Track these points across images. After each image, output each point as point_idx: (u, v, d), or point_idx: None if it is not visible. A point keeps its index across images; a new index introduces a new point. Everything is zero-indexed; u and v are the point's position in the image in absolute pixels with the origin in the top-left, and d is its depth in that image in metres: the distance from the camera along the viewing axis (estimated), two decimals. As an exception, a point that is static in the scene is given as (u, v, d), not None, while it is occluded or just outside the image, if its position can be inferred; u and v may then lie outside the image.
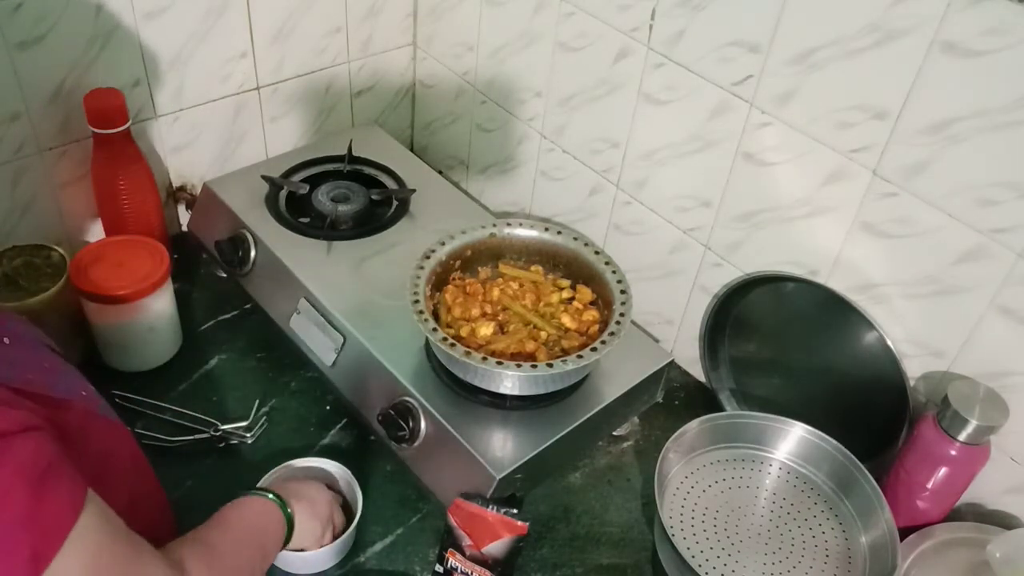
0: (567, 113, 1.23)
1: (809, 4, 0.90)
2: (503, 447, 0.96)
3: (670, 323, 1.23)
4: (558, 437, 0.98)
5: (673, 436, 0.97)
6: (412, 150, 1.49)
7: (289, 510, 0.87)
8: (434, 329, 0.94)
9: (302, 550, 0.91)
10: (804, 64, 0.92)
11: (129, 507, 0.69)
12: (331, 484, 0.98)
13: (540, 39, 1.21)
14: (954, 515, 0.96)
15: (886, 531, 0.91)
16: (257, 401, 1.12)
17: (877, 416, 1.00)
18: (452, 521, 0.93)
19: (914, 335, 0.95)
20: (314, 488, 0.93)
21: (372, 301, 1.09)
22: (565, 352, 0.98)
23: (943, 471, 0.91)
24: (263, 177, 1.24)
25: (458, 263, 1.06)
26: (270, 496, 0.87)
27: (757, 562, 0.93)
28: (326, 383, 1.10)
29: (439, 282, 1.04)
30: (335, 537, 0.93)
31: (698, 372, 1.22)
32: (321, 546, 0.92)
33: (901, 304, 0.95)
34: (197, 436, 1.07)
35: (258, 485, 0.91)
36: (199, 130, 1.29)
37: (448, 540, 0.94)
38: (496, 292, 1.04)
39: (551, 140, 1.28)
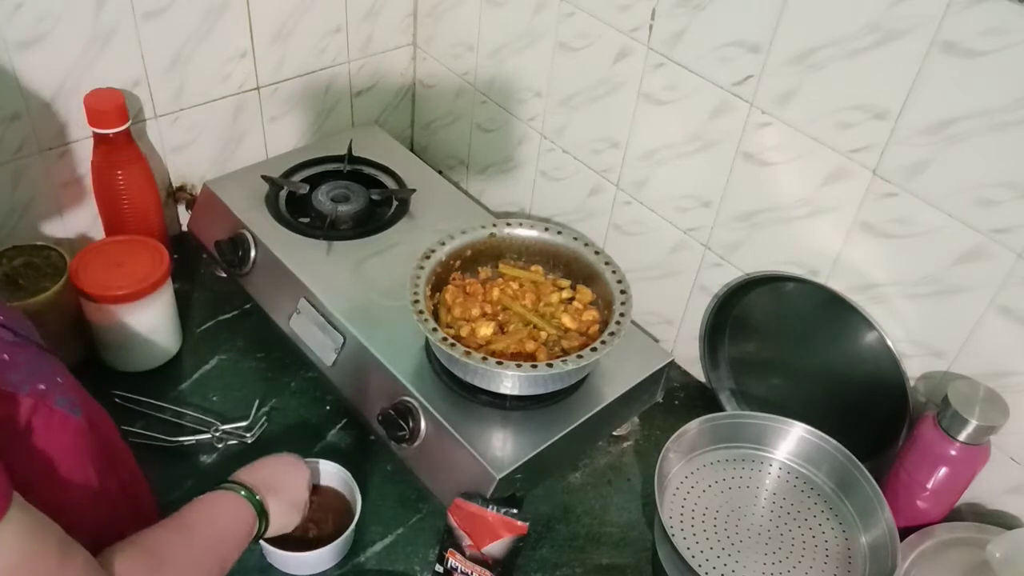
0: (567, 113, 1.23)
1: (809, 4, 0.90)
2: (503, 447, 0.96)
3: (670, 323, 1.23)
4: (558, 437, 0.98)
5: (673, 436, 0.97)
6: (412, 150, 1.49)
7: (258, 498, 0.84)
8: (434, 329, 0.94)
9: (300, 550, 0.91)
10: (804, 64, 0.92)
11: (88, 501, 0.68)
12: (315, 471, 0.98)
13: (540, 39, 1.21)
14: (954, 515, 0.96)
15: (886, 531, 0.91)
16: (257, 401, 1.12)
17: (877, 416, 1.00)
18: (452, 521, 0.93)
19: (914, 335, 0.95)
20: (291, 473, 0.91)
21: (372, 301, 1.09)
22: (565, 352, 0.98)
23: (943, 471, 0.91)
24: (263, 177, 1.23)
25: (458, 263, 1.06)
26: (240, 492, 0.84)
27: (757, 562, 0.93)
28: (326, 383, 1.10)
29: (439, 282, 1.04)
30: (334, 537, 0.93)
31: (698, 372, 1.22)
32: (313, 543, 0.92)
33: (901, 304, 0.95)
34: (197, 436, 1.07)
35: (232, 477, 0.88)
36: (199, 130, 1.29)
37: (448, 540, 0.94)
38: (496, 292, 1.04)
39: (551, 140, 1.28)
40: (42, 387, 0.69)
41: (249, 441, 1.08)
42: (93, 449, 0.75)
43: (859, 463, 0.96)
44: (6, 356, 0.68)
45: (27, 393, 0.68)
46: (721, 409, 1.17)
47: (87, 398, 0.78)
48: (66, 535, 0.64)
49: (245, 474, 0.88)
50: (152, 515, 0.87)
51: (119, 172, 1.16)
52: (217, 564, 0.80)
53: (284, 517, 0.88)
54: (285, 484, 0.89)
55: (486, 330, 0.98)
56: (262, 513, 0.85)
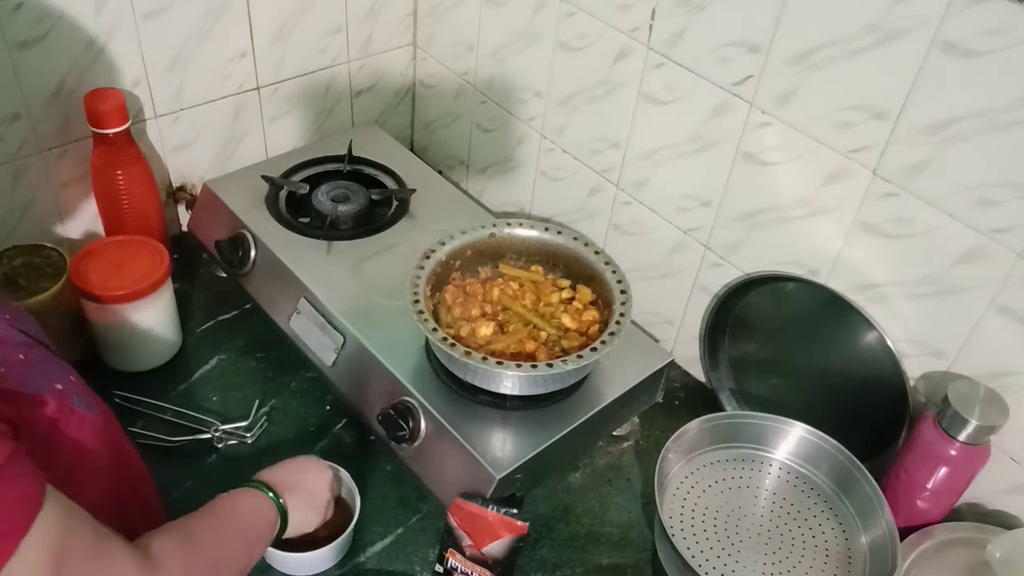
0: (567, 113, 1.23)
1: (809, 4, 0.90)
2: (503, 447, 0.96)
3: (670, 323, 1.23)
4: (558, 437, 0.98)
5: (673, 436, 0.97)
6: (412, 150, 1.49)
7: (282, 501, 0.86)
8: (434, 329, 0.94)
9: (300, 550, 0.91)
10: (804, 64, 0.92)
11: (106, 498, 0.69)
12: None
13: (540, 39, 1.21)
14: (954, 515, 0.96)
15: (886, 531, 0.91)
16: (257, 401, 1.12)
17: (877, 416, 1.00)
18: (452, 521, 0.93)
19: (914, 335, 0.95)
20: (312, 473, 0.92)
21: (372, 301, 1.09)
22: (565, 352, 0.98)
23: (943, 471, 0.91)
24: (263, 177, 1.23)
25: (458, 263, 1.06)
26: (266, 491, 0.86)
27: (757, 562, 0.93)
28: (326, 383, 1.10)
29: (439, 282, 1.04)
30: (333, 538, 0.93)
31: (698, 372, 1.22)
32: (313, 543, 0.92)
33: (901, 304, 0.95)
34: (197, 436, 1.07)
35: (255, 477, 0.90)
36: (199, 130, 1.29)
37: (448, 540, 0.94)
38: (496, 292, 1.04)
39: (551, 140, 1.28)
40: (59, 387, 0.70)
41: (249, 441, 1.08)
42: (109, 447, 0.76)
43: (859, 463, 0.96)
44: (21, 356, 0.69)
45: (48, 394, 0.68)
46: (721, 409, 1.17)
47: (96, 398, 0.78)
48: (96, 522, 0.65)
49: (267, 474, 0.89)
50: (159, 513, 0.88)
51: (119, 172, 1.16)
52: (244, 551, 0.81)
53: (303, 517, 0.89)
54: (305, 485, 0.90)
55: (486, 330, 0.98)
56: (283, 512, 0.86)
